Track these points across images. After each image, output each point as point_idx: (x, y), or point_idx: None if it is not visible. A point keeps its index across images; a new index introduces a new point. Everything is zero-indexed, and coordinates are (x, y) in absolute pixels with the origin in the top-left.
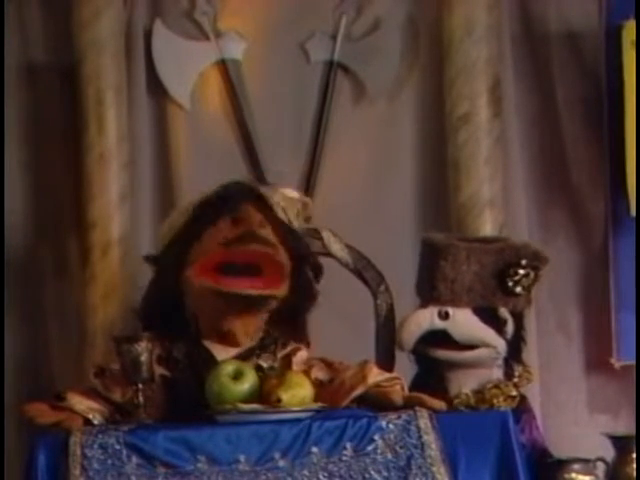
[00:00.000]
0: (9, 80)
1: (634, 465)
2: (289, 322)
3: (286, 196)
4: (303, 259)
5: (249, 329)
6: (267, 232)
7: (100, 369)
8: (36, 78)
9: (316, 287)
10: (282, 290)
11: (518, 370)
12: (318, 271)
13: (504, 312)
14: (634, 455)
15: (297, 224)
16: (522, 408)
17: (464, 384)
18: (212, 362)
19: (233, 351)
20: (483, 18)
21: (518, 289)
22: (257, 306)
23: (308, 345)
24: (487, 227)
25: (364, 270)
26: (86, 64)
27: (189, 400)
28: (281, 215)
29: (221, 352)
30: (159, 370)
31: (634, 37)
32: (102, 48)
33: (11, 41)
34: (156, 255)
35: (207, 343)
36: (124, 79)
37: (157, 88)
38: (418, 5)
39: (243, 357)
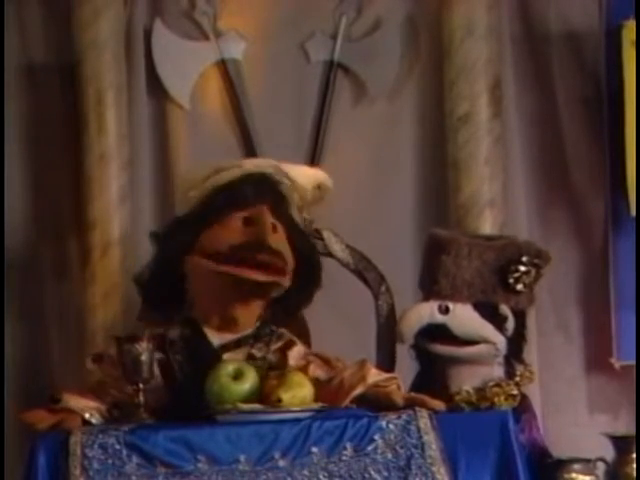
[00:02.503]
0: (9, 80)
1: (634, 465)
2: (285, 318)
3: (301, 175)
4: (307, 261)
5: (251, 316)
6: (277, 238)
7: (98, 355)
8: (36, 78)
9: (314, 288)
10: (287, 281)
11: (519, 369)
12: (318, 271)
13: (505, 309)
14: (634, 455)
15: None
16: (523, 407)
17: (465, 381)
18: (207, 346)
19: (228, 337)
20: (483, 18)
21: (519, 286)
22: (263, 292)
23: (309, 344)
24: (487, 227)
25: (365, 271)
26: (86, 64)
27: (184, 384)
28: (295, 214)
29: (216, 337)
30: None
31: (634, 37)
32: (102, 48)
33: (11, 41)
34: (162, 233)
35: (204, 327)
36: (124, 79)
37: (157, 88)
38: (418, 5)
39: (237, 344)
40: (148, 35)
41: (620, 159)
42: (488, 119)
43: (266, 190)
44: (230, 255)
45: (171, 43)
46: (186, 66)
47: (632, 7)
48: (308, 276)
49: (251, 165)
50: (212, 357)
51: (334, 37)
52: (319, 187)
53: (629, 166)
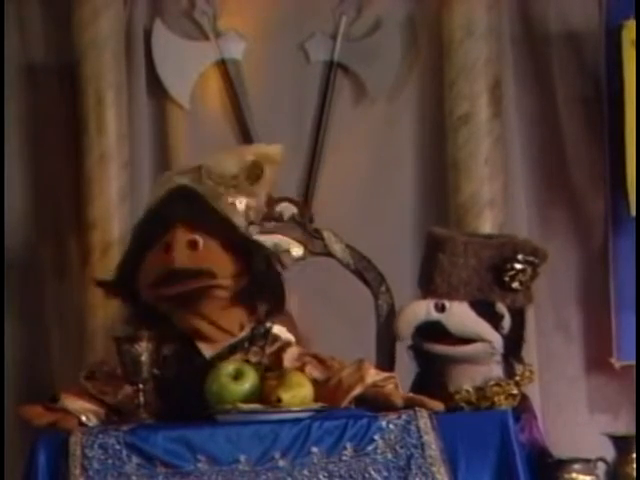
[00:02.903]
0: (9, 80)
1: (634, 465)
2: (268, 301)
3: (226, 162)
4: (249, 252)
5: (217, 324)
6: (198, 254)
7: (91, 372)
8: (36, 78)
9: (277, 268)
10: (223, 279)
11: (519, 369)
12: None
13: (501, 307)
14: (634, 455)
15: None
16: (523, 407)
17: (463, 381)
18: (199, 359)
19: (218, 346)
20: (483, 18)
21: (514, 284)
22: (203, 298)
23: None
24: (487, 227)
25: (365, 270)
26: (86, 64)
27: (179, 397)
28: (224, 208)
29: (209, 349)
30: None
31: (634, 37)
32: (102, 48)
33: (11, 41)
34: (112, 278)
35: (196, 341)
36: (124, 79)
37: (157, 88)
38: (418, 5)
39: (231, 351)
40: (148, 35)
41: (620, 159)
42: (488, 119)
43: (179, 206)
44: (158, 283)
45: (171, 43)
46: (186, 66)
47: (632, 7)
48: (259, 266)
49: (177, 178)
50: (206, 370)
51: (334, 37)
52: (256, 164)
53: (629, 166)
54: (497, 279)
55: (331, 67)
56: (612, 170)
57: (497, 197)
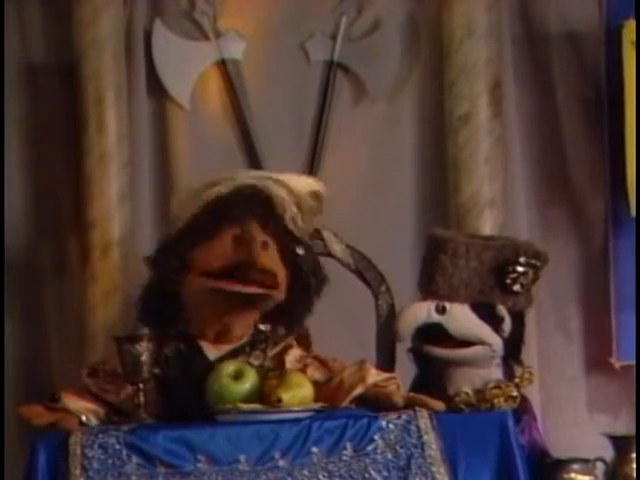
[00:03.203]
0: (9, 80)
1: (634, 465)
2: (282, 322)
3: (295, 187)
4: (301, 273)
5: (245, 326)
6: (267, 255)
7: (93, 369)
8: (36, 78)
9: (314, 296)
10: (279, 294)
11: (519, 371)
12: (321, 281)
13: (502, 310)
14: (634, 455)
15: (304, 217)
16: (523, 409)
17: (462, 383)
18: (202, 360)
19: (224, 348)
20: (483, 18)
21: (516, 287)
22: (255, 304)
23: (309, 344)
24: (487, 227)
25: (365, 270)
26: (86, 64)
27: (181, 398)
28: (289, 224)
29: (212, 350)
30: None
31: (634, 37)
32: (102, 48)
33: (11, 41)
34: (155, 253)
35: (200, 342)
36: (124, 79)
37: (157, 88)
38: (418, 5)
39: (234, 355)
40: (148, 35)
41: (620, 159)
42: (488, 119)
43: (256, 206)
44: (222, 274)
45: (171, 43)
46: (186, 66)
47: (632, 7)
48: (302, 288)
49: (244, 178)
50: (208, 371)
51: (334, 37)
52: (315, 196)
53: (629, 166)
54: (498, 281)
55: (331, 67)
56: (612, 170)
57: (497, 197)
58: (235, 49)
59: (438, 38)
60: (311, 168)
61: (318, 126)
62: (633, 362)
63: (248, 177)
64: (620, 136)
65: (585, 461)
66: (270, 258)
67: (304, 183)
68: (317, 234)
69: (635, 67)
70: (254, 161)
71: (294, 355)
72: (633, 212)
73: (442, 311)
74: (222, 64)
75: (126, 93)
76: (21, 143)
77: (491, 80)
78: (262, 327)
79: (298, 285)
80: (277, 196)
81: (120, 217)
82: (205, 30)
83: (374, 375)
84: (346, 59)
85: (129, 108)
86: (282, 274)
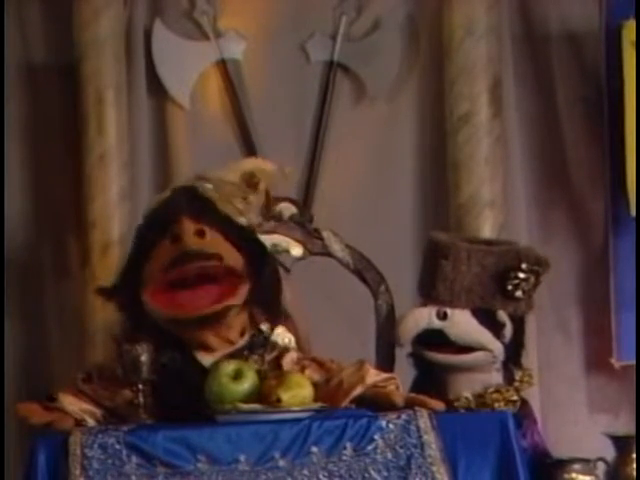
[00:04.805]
0: (9, 80)
1: (634, 465)
2: (265, 308)
3: (228, 171)
4: (255, 252)
5: (223, 335)
6: (206, 241)
7: (88, 374)
8: (36, 78)
9: (279, 272)
10: (239, 296)
11: (518, 374)
12: (268, 258)
13: (502, 315)
14: (634, 455)
15: (254, 202)
16: (523, 413)
17: (462, 388)
18: (197, 369)
19: (217, 355)
20: (483, 18)
21: (518, 293)
22: (215, 320)
23: (308, 345)
24: (487, 227)
25: (364, 270)
26: (86, 64)
27: (177, 405)
28: (226, 209)
29: (207, 357)
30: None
31: (634, 37)
32: (102, 48)
33: (11, 41)
34: (113, 284)
35: (194, 350)
36: (124, 79)
37: (157, 88)
38: (418, 5)
39: (229, 360)
40: (148, 35)
41: (620, 159)
42: (488, 119)
43: (184, 202)
44: (163, 279)
45: (171, 43)
46: (186, 66)
47: (632, 7)
48: (262, 266)
49: (177, 185)
50: (203, 379)
51: (334, 37)
52: (252, 174)
53: (629, 166)
54: (500, 287)
55: (331, 67)
56: (612, 170)
57: (497, 197)
58: (235, 49)
59: (438, 38)
60: (311, 168)
61: (318, 126)
62: (633, 362)
63: (175, 185)
64: (620, 136)
65: (586, 461)
66: (207, 243)
67: (235, 168)
68: (317, 234)
69: (635, 67)
70: None
71: (291, 358)
72: (633, 212)
73: (443, 317)
74: (222, 64)
75: (126, 93)
76: (21, 143)
77: (491, 80)
78: (262, 327)
79: (260, 267)
80: (208, 190)
81: (120, 217)
82: (205, 30)
83: (373, 375)
84: (346, 59)
85: (129, 108)
86: (232, 255)
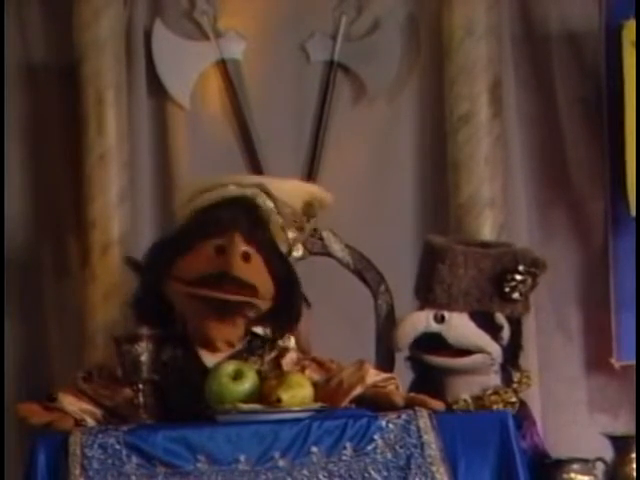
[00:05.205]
0: (9, 80)
1: (633, 465)
2: (277, 331)
3: (291, 191)
4: (287, 285)
5: (228, 337)
6: (248, 267)
7: (88, 374)
8: (36, 78)
9: (302, 306)
10: (261, 302)
11: (517, 376)
12: (298, 293)
13: (500, 317)
14: (633, 455)
15: (299, 225)
16: (522, 414)
17: (461, 390)
18: (200, 368)
19: (219, 355)
20: (483, 18)
21: (515, 295)
22: (236, 312)
23: (308, 346)
24: (487, 227)
25: (364, 270)
26: (86, 64)
27: (178, 405)
28: (278, 237)
29: (210, 357)
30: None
31: (634, 37)
32: (102, 48)
33: (11, 41)
34: (143, 259)
35: (197, 347)
36: (124, 79)
37: (157, 88)
38: (418, 5)
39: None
40: (148, 35)
41: (620, 159)
42: (488, 119)
43: (242, 217)
44: (199, 282)
45: (171, 43)
46: (186, 66)
47: (632, 7)
48: (289, 299)
49: (234, 186)
50: (205, 378)
51: (334, 37)
52: (311, 203)
53: (629, 166)
54: (497, 290)
55: (331, 67)
56: (612, 170)
57: (497, 197)
58: (235, 49)
59: (438, 38)
60: (311, 168)
61: (318, 126)
62: (633, 362)
63: (239, 185)
64: (620, 136)
65: (585, 461)
66: (250, 269)
67: (298, 192)
68: (316, 234)
69: (635, 67)
70: (254, 161)
71: (291, 358)
72: (633, 212)
73: (441, 320)
74: (222, 64)
75: (126, 93)
76: (21, 143)
77: (491, 80)
78: (259, 331)
79: (284, 295)
80: (265, 207)
81: (120, 217)
82: (205, 30)
83: (373, 375)
84: (346, 59)
85: (129, 108)
86: (267, 285)
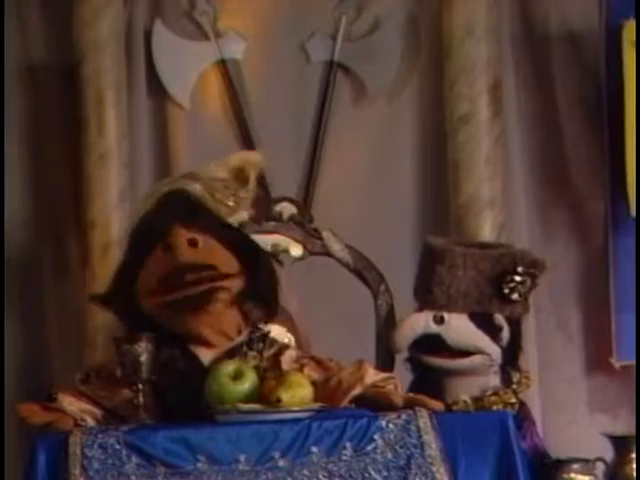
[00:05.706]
0: (9, 80)
1: (633, 465)
2: (261, 305)
3: (216, 167)
4: (249, 252)
5: (217, 326)
6: (199, 251)
7: (86, 375)
8: (36, 78)
9: (275, 270)
10: (228, 282)
11: (516, 377)
12: (263, 257)
13: (500, 319)
14: (633, 455)
15: (244, 196)
16: (522, 415)
17: (461, 392)
18: (197, 366)
19: (216, 351)
20: (483, 18)
21: (514, 296)
22: (207, 300)
23: (308, 345)
24: (487, 227)
25: (364, 270)
26: (86, 64)
27: (177, 404)
28: (219, 211)
29: (207, 354)
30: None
31: (634, 37)
32: (102, 48)
33: (11, 41)
34: (107, 291)
35: (193, 346)
36: (124, 79)
37: (157, 88)
38: (418, 5)
39: (229, 356)
40: (148, 35)
41: (620, 159)
42: (488, 119)
43: (172, 209)
44: (162, 287)
45: (171, 43)
46: (186, 66)
47: (632, 7)
48: (257, 264)
49: (165, 186)
50: (203, 376)
51: (334, 37)
52: (241, 168)
53: (629, 166)
54: (496, 291)
55: (331, 67)
56: (612, 170)
57: (497, 197)
58: (235, 49)
59: (438, 38)
60: (311, 168)
61: (318, 126)
62: (633, 362)
63: (162, 185)
64: (620, 136)
65: (585, 461)
66: (201, 252)
67: (224, 162)
68: (316, 234)
69: (635, 67)
70: None
71: (290, 355)
72: (633, 212)
73: (440, 321)
74: (222, 64)
75: (126, 93)
76: (21, 143)
77: (491, 80)
78: (260, 326)
79: (250, 262)
80: (198, 191)
81: (120, 217)
82: (205, 30)
83: (372, 375)
84: (346, 59)
85: (129, 108)
86: (226, 260)
